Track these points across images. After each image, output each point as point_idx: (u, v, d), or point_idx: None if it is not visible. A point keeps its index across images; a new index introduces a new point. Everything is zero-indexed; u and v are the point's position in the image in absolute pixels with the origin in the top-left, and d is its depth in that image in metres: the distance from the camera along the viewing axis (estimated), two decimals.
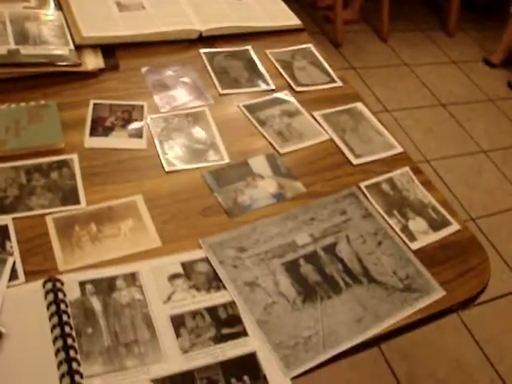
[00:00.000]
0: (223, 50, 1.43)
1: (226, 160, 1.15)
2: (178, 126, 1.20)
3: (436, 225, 1.11)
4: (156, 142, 1.16)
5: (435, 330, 2.16)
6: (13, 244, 0.96)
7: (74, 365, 0.83)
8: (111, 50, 1.35)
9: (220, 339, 0.90)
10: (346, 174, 1.17)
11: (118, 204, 1.03)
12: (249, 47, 1.46)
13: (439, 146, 3.05)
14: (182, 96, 1.27)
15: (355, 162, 1.20)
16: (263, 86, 1.34)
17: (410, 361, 2.06)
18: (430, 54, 3.76)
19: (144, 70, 1.33)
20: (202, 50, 1.41)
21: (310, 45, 1.52)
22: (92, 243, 0.97)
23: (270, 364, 0.88)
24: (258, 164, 1.15)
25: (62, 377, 0.82)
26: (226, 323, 0.92)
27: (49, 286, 0.90)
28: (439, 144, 3.07)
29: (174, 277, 0.96)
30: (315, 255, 1.02)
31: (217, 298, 0.95)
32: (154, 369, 0.85)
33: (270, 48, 1.47)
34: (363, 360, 2.03)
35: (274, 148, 1.20)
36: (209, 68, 1.37)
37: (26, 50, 1.26)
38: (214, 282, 0.96)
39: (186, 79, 1.32)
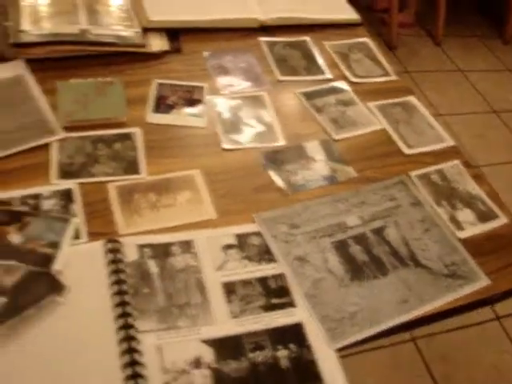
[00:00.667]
0: (282, 39, 1.47)
1: (282, 142, 1.19)
2: (237, 107, 1.24)
3: (484, 217, 1.13)
4: (215, 121, 1.20)
5: (475, 335, 2.15)
6: (77, 207, 1.01)
7: (130, 320, 0.87)
8: (175, 34, 1.40)
9: (269, 308, 0.93)
10: (397, 162, 1.20)
11: (177, 176, 1.08)
12: (307, 38, 1.50)
13: (489, 153, 3.04)
14: (241, 80, 1.32)
15: (407, 151, 1.22)
16: (320, 76, 1.38)
17: (448, 364, 2.06)
18: (484, 61, 3.73)
19: (206, 54, 1.38)
20: (262, 39, 1.45)
21: (366, 39, 1.55)
22: (150, 211, 1.02)
23: (315, 335, 0.91)
24: (313, 148, 1.19)
25: (118, 329, 0.86)
26: (275, 293, 0.95)
27: (109, 246, 0.95)
28: (490, 150, 3.05)
29: (227, 247, 1.00)
30: (364, 237, 1.05)
31: (267, 270, 0.98)
32: (205, 330, 0.89)
33: (328, 40, 1.50)
34: (403, 360, 2.04)
35: (329, 134, 1.23)
36: (268, 55, 1.41)
37: (96, 30, 1.32)
38: (265, 254, 1.00)
39: (245, 65, 1.36)
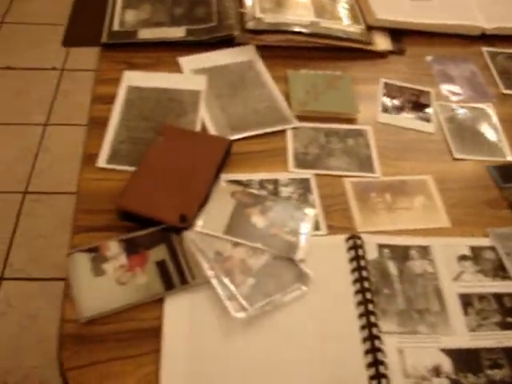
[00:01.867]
0: (505, 50, 1.43)
1: (510, 158, 1.16)
2: (464, 117, 1.22)
3: None
4: (444, 128, 1.19)
5: None
6: (315, 197, 1.03)
7: (373, 318, 0.88)
8: (397, 35, 1.39)
9: (505, 326, 0.91)
10: None
11: (411, 180, 1.08)
12: None
13: None
14: (465, 90, 1.29)
15: None
16: None
17: None
18: None
19: (429, 58, 1.36)
20: (484, 48, 1.42)
21: None
22: (387, 211, 1.03)
23: None
24: None
25: (362, 328, 0.87)
26: (510, 312, 0.93)
27: (351, 242, 0.96)
28: None
29: (462, 258, 0.99)
30: None
31: (502, 287, 0.96)
32: (444, 339, 0.88)
33: None
34: None
35: None
36: (491, 66, 1.37)
37: (325, 24, 1.33)
38: (500, 270, 0.98)
39: (468, 74, 1.34)
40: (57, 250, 2.13)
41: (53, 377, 1.81)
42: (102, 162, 1.05)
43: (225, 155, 1.04)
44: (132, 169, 1.02)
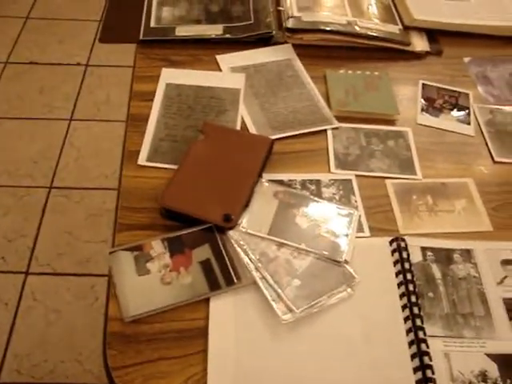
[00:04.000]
0: None
1: None
2: (503, 120, 1.21)
3: None
4: (484, 130, 1.18)
5: None
6: (357, 199, 1.02)
7: (418, 321, 0.87)
8: (434, 36, 1.38)
9: None
10: None
11: (451, 182, 1.07)
12: None
13: None
14: (504, 91, 1.28)
15: None
16: None
17: None
18: None
19: (466, 59, 1.35)
20: None
21: None
22: (428, 214, 1.02)
23: None
24: None
25: (408, 331, 0.86)
26: None
27: (395, 245, 0.96)
28: None
29: (505, 262, 0.98)
30: None
31: None
32: (490, 344, 0.88)
33: None
34: None
35: None
36: None
37: (362, 23, 1.32)
38: None
39: (506, 75, 1.32)
40: (81, 245, 2.14)
41: (79, 372, 1.81)
42: (142, 159, 1.05)
43: (267, 155, 1.03)
44: (172, 166, 1.01)
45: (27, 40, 3.00)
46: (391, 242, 0.96)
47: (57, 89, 2.76)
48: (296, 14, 1.30)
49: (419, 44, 1.34)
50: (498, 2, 1.47)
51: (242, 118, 1.14)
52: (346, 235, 0.96)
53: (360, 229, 0.98)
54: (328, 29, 1.29)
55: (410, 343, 0.86)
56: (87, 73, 2.86)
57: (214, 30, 1.30)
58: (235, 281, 0.87)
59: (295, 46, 1.31)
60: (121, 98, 2.70)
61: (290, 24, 1.29)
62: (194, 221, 0.93)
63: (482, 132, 1.19)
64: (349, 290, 0.89)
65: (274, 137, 1.09)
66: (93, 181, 2.35)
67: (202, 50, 1.29)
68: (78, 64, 2.88)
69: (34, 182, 2.35)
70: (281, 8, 1.33)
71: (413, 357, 0.85)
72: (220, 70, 1.24)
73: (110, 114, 2.63)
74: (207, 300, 0.87)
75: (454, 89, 1.26)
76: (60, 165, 2.42)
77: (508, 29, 1.42)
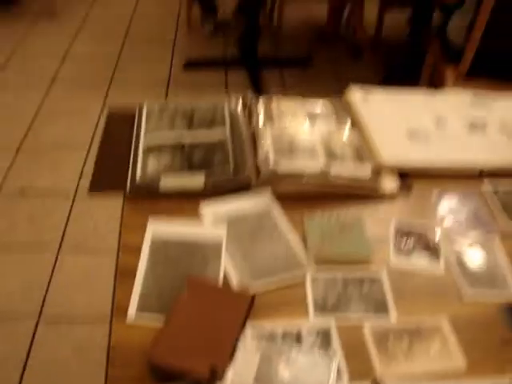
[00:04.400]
0: (506, 188, 1.52)
1: None
2: (472, 255, 1.29)
3: None
4: (453, 268, 1.26)
5: None
6: (336, 345, 1.10)
7: None
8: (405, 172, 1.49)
9: None
10: None
11: (425, 323, 1.14)
12: None
13: None
14: (472, 227, 1.37)
15: None
16: None
17: None
18: None
19: (435, 195, 1.45)
20: (485, 186, 1.51)
21: None
22: (405, 356, 1.08)
23: None
24: None
25: None
26: None
27: None
28: None
29: None
30: None
31: None
32: None
33: None
34: None
35: None
36: (493, 201, 1.46)
37: (334, 170, 1.43)
38: None
39: (473, 209, 1.42)
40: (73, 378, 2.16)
41: None
42: (131, 313, 1.11)
43: (248, 309, 1.10)
44: (161, 317, 1.12)
45: (18, 168, 3.11)
46: None
47: (45, 219, 2.85)
48: (272, 164, 1.41)
49: (389, 185, 1.44)
50: (458, 142, 1.59)
51: (225, 267, 1.21)
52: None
53: (339, 376, 1.03)
54: (302, 181, 1.39)
55: None
56: (75, 204, 2.96)
57: (196, 181, 1.39)
58: None
59: (274, 191, 1.40)
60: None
61: (266, 175, 1.39)
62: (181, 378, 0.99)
63: (451, 269, 1.26)
64: None
65: (254, 285, 1.16)
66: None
67: (186, 200, 1.38)
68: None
69: (19, 316, 2.38)
70: (257, 161, 1.43)
71: None
72: (203, 218, 1.32)
73: (98, 242, 2.72)
74: None
75: (424, 226, 1.35)
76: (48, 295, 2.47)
77: (468, 169, 1.52)
